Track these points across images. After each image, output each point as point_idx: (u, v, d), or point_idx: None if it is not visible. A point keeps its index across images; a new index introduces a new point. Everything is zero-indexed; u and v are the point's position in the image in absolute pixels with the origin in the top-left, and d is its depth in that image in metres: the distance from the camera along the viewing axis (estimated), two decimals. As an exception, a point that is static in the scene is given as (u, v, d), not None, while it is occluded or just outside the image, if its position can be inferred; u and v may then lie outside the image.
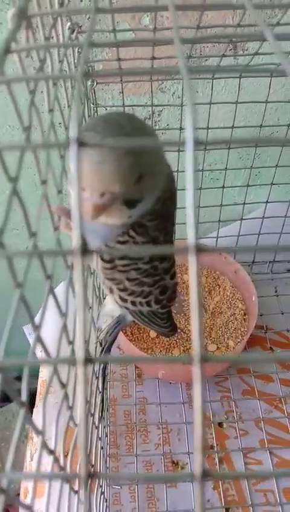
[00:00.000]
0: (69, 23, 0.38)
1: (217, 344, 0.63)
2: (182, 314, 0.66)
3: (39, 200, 0.26)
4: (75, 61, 0.41)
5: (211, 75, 0.56)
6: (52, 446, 0.26)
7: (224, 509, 0.53)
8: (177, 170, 0.55)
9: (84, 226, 0.14)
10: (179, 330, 0.64)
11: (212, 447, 0.58)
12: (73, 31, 0.39)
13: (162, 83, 0.65)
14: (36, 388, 0.63)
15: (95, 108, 0.58)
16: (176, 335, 0.64)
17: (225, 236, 0.72)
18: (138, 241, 0.39)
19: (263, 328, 0.69)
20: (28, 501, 0.22)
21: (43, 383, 0.64)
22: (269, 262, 0.76)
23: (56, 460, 0.25)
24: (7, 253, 0.16)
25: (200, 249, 0.14)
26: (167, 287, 0.45)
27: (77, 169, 0.14)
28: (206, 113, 0.58)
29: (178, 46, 0.17)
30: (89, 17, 0.53)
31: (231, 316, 0.66)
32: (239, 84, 0.56)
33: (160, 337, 0.64)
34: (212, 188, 0.67)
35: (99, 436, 0.47)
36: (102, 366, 0.51)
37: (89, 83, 0.53)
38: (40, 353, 0.62)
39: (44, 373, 0.65)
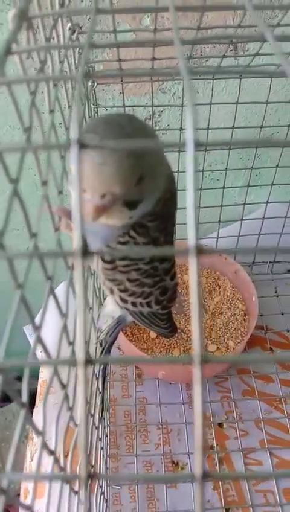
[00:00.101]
0: (69, 24, 0.38)
1: (217, 344, 0.63)
2: (182, 315, 0.66)
3: (40, 200, 0.26)
4: (76, 62, 0.41)
5: (211, 75, 0.56)
6: (52, 446, 0.26)
7: (224, 510, 0.53)
8: (178, 171, 0.55)
9: (85, 226, 0.14)
10: (179, 330, 0.64)
11: (212, 448, 0.58)
12: (74, 31, 0.39)
13: (163, 83, 0.65)
14: (36, 388, 0.63)
15: (95, 109, 0.58)
16: (176, 335, 0.64)
17: (225, 237, 0.72)
18: (138, 242, 0.39)
19: (263, 328, 0.69)
20: (28, 501, 0.22)
21: (43, 384, 0.64)
22: (269, 262, 0.76)
23: (56, 460, 0.25)
24: (8, 254, 0.16)
25: (200, 250, 0.14)
26: (167, 287, 0.45)
27: (78, 171, 0.14)
28: (206, 114, 0.58)
29: (178, 47, 0.17)
30: (89, 18, 0.53)
31: (231, 316, 0.66)
32: (240, 84, 0.56)
33: (160, 337, 0.64)
34: (212, 188, 0.67)
35: (100, 436, 0.47)
36: (102, 366, 0.51)
37: (89, 83, 0.53)
38: (40, 354, 0.62)
39: (44, 373, 0.65)
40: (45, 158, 0.27)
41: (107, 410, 0.60)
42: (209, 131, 0.60)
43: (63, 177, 0.31)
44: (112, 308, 0.50)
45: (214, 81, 0.57)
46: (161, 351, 0.62)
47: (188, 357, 0.14)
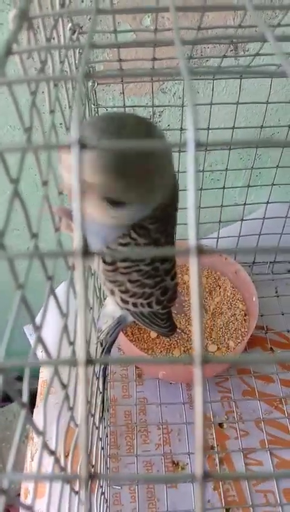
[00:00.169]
0: (70, 24, 0.38)
1: (217, 344, 0.63)
2: (183, 315, 0.66)
3: (40, 201, 0.26)
4: (76, 62, 0.41)
5: (211, 75, 0.56)
6: (52, 446, 0.26)
7: (224, 510, 0.53)
8: (178, 171, 0.55)
9: (85, 227, 0.14)
10: (179, 331, 0.64)
11: (212, 448, 0.58)
12: (74, 32, 0.39)
13: (163, 83, 0.65)
14: (37, 388, 0.63)
15: (96, 109, 0.58)
16: (177, 335, 0.64)
17: (226, 237, 0.72)
18: (139, 243, 0.39)
19: (263, 328, 0.69)
20: (28, 501, 0.22)
21: (43, 384, 0.64)
22: (270, 262, 0.76)
23: (57, 460, 0.25)
24: (8, 254, 0.16)
25: (201, 251, 0.14)
26: (167, 288, 0.45)
27: (78, 171, 0.14)
28: (207, 114, 0.58)
29: (179, 47, 0.17)
30: (90, 18, 0.53)
31: (232, 316, 0.66)
32: (240, 85, 0.56)
33: (160, 337, 0.64)
34: (213, 188, 0.67)
35: (100, 436, 0.47)
36: (102, 366, 0.51)
37: (90, 83, 0.53)
38: (40, 354, 0.62)
39: (45, 373, 0.65)
40: (46, 158, 0.27)
41: (108, 410, 0.60)
42: (210, 131, 0.60)
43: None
44: (112, 308, 0.50)
45: (215, 81, 0.57)
46: (161, 351, 0.62)
47: (188, 357, 0.14)
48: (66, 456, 0.30)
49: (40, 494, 0.37)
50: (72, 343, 0.29)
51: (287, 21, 0.42)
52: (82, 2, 0.56)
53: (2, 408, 0.99)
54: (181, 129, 0.60)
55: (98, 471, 0.46)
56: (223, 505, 0.53)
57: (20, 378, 0.23)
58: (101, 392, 0.49)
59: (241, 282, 0.69)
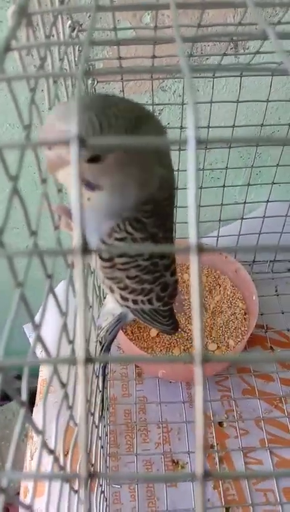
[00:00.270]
0: (69, 21, 0.37)
1: (217, 343, 0.63)
2: (183, 314, 0.66)
3: (39, 198, 0.26)
4: (76, 59, 0.41)
5: (212, 73, 0.56)
6: (52, 445, 0.26)
7: (224, 509, 0.53)
8: (178, 169, 0.55)
9: (84, 225, 0.14)
10: (179, 329, 0.64)
11: (212, 447, 0.58)
12: (74, 29, 0.38)
13: (163, 81, 0.65)
14: (36, 387, 0.63)
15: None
16: (177, 334, 0.64)
17: (226, 236, 0.72)
18: (136, 237, 0.38)
19: (263, 327, 0.69)
20: (28, 500, 0.22)
21: (43, 382, 0.64)
22: (270, 261, 0.76)
23: (56, 459, 0.25)
24: (7, 252, 0.16)
25: (201, 249, 0.14)
26: (167, 283, 0.45)
27: (76, 166, 0.13)
28: (207, 112, 0.58)
29: (179, 44, 0.17)
30: (89, 15, 0.53)
31: (232, 315, 0.66)
32: (240, 83, 0.56)
33: (160, 336, 0.64)
34: (213, 187, 0.67)
35: (100, 435, 0.47)
36: (102, 365, 0.51)
37: (89, 81, 0.52)
38: (40, 352, 0.62)
39: (44, 372, 0.65)
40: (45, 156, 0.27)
41: (107, 409, 0.60)
42: (210, 129, 0.60)
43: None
44: (112, 305, 0.50)
45: (215, 79, 0.57)
46: (161, 350, 0.62)
47: (189, 356, 0.14)
48: (66, 455, 0.30)
49: (40, 493, 0.37)
50: (71, 342, 0.29)
51: (288, 19, 0.42)
52: (82, -1, 0.56)
53: (1, 407, 0.99)
54: (181, 127, 0.60)
55: (98, 470, 0.46)
56: (223, 503, 0.53)
57: (19, 377, 0.23)
58: (100, 391, 0.49)
59: (241, 280, 0.69)
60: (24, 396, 0.20)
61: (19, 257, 0.17)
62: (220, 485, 0.54)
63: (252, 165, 0.65)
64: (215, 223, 0.69)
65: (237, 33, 0.44)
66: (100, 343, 0.53)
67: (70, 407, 0.29)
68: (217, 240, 0.72)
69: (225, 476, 0.17)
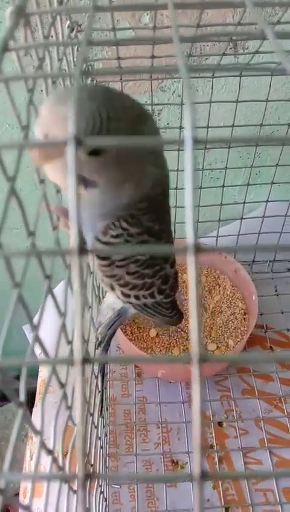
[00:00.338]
0: (68, 22, 0.37)
1: (217, 343, 0.63)
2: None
3: (38, 199, 0.26)
4: (75, 59, 0.41)
5: (211, 73, 0.56)
6: (50, 446, 0.26)
7: (224, 509, 0.53)
8: (177, 169, 0.55)
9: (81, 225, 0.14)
10: (179, 329, 0.64)
11: (212, 447, 0.57)
12: (72, 29, 0.39)
13: (162, 81, 0.65)
14: (36, 387, 0.63)
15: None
16: (176, 334, 0.64)
17: (225, 236, 0.72)
18: (132, 233, 0.38)
19: (263, 327, 0.69)
20: (26, 501, 0.22)
21: (42, 383, 0.64)
22: (269, 261, 0.76)
23: (55, 460, 0.25)
24: (5, 253, 0.16)
25: (199, 249, 0.14)
26: (168, 275, 0.45)
27: (74, 167, 0.13)
28: (206, 112, 0.58)
29: (177, 44, 0.17)
30: (88, 16, 0.53)
31: (231, 315, 0.66)
32: (239, 82, 0.56)
33: (160, 336, 0.64)
34: (212, 187, 0.66)
35: (99, 435, 0.47)
36: (100, 365, 0.51)
37: (88, 81, 0.52)
38: (39, 353, 0.62)
39: (43, 372, 0.65)
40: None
41: (107, 409, 0.60)
42: (209, 129, 0.59)
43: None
44: (112, 300, 0.49)
45: (214, 79, 0.57)
46: (160, 350, 0.62)
47: (186, 356, 0.14)
48: (65, 455, 0.30)
49: (39, 494, 0.37)
50: (70, 342, 0.29)
51: (287, 18, 0.42)
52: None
53: (1, 407, 0.99)
54: (180, 127, 0.60)
55: (97, 470, 0.46)
56: (223, 503, 0.53)
57: (19, 377, 0.23)
58: (100, 391, 0.49)
59: (241, 280, 0.69)
60: (22, 397, 0.20)
61: (17, 258, 0.17)
62: (220, 485, 0.54)
63: (251, 165, 0.65)
64: (215, 223, 0.69)
65: (236, 33, 0.44)
66: (99, 338, 0.52)
67: (69, 407, 0.29)
68: (217, 239, 0.72)
69: (223, 476, 0.17)
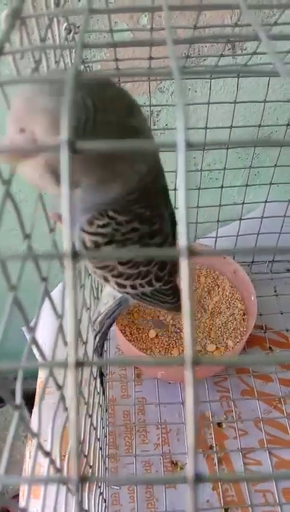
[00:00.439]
0: (65, 24, 0.37)
1: (216, 344, 0.63)
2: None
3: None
4: (72, 61, 0.41)
5: (207, 74, 0.56)
6: (49, 447, 0.26)
7: (223, 510, 0.53)
8: (176, 170, 0.55)
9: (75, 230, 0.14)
10: (178, 330, 0.64)
11: (211, 447, 0.57)
12: (70, 31, 0.39)
13: (161, 82, 0.65)
14: (36, 388, 0.63)
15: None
16: (175, 335, 0.64)
17: (224, 236, 0.72)
18: (120, 221, 0.35)
19: (262, 327, 0.69)
20: (23, 503, 0.22)
21: (41, 384, 0.64)
22: (269, 262, 0.76)
23: (52, 462, 0.25)
24: (0, 256, 0.16)
25: (192, 252, 0.14)
26: (165, 261, 0.42)
27: (66, 170, 0.13)
28: (205, 113, 0.58)
29: (170, 46, 0.17)
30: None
31: (230, 315, 0.66)
32: (237, 83, 0.56)
33: (159, 337, 0.64)
34: (211, 188, 0.67)
35: (98, 437, 0.47)
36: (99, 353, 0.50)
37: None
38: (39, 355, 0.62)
39: (42, 374, 0.65)
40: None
41: (106, 410, 0.60)
42: (208, 130, 0.59)
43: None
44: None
45: (212, 80, 0.57)
46: (160, 351, 0.62)
47: (180, 358, 0.14)
48: (64, 456, 0.30)
49: (37, 495, 0.37)
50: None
51: (285, 19, 0.42)
52: (79, 1, 0.56)
53: (0, 408, 0.99)
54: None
55: (96, 472, 0.46)
56: (222, 504, 0.53)
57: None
58: (98, 393, 0.49)
59: (240, 281, 0.69)
60: (18, 399, 0.20)
61: (13, 261, 0.17)
62: (219, 486, 0.54)
63: (250, 166, 0.65)
64: (214, 223, 0.69)
65: (232, 34, 0.44)
66: (97, 329, 0.51)
67: (67, 409, 0.29)
68: (216, 240, 0.72)
69: (217, 479, 0.17)
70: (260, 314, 0.68)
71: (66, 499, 0.29)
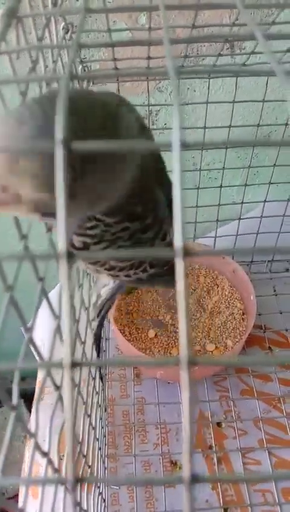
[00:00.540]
0: (63, 23, 0.37)
1: (215, 344, 0.63)
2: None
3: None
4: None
5: (206, 74, 0.55)
6: (46, 447, 0.26)
7: (223, 510, 0.53)
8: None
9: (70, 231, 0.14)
10: (177, 330, 0.64)
11: (210, 447, 0.57)
12: (68, 31, 0.38)
13: (159, 82, 0.65)
14: (35, 388, 0.63)
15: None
16: (174, 335, 0.64)
17: (224, 236, 0.72)
18: (109, 223, 0.34)
19: (261, 327, 0.69)
20: (20, 503, 0.22)
21: (39, 384, 0.64)
22: (268, 261, 0.76)
23: (50, 462, 0.25)
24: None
25: (187, 252, 0.14)
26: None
27: (62, 170, 0.13)
28: (203, 113, 0.58)
29: (167, 46, 0.17)
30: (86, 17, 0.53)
31: (230, 315, 0.66)
32: (236, 83, 0.56)
33: (158, 337, 0.64)
34: (210, 187, 0.66)
35: (97, 437, 0.47)
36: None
37: (85, 82, 0.52)
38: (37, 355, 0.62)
39: (40, 374, 0.65)
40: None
41: (106, 410, 0.60)
42: (206, 130, 0.59)
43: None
44: None
45: (211, 79, 0.57)
46: (159, 351, 0.62)
47: (175, 359, 0.14)
48: (63, 456, 0.30)
49: (36, 496, 0.37)
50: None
51: (284, 18, 0.42)
52: (77, 0, 0.56)
53: (0, 408, 0.99)
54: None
55: (95, 472, 0.46)
56: (222, 504, 0.53)
57: (21, 378, 0.23)
58: (97, 393, 0.49)
59: (239, 281, 0.68)
60: (15, 400, 0.20)
61: (9, 261, 0.17)
62: (219, 486, 0.54)
63: (249, 165, 0.65)
64: (213, 223, 0.69)
65: (231, 34, 0.44)
66: (96, 313, 0.50)
67: (65, 410, 0.29)
68: (215, 240, 0.72)
69: (215, 479, 0.17)
70: (259, 314, 0.68)
71: (65, 498, 0.29)
